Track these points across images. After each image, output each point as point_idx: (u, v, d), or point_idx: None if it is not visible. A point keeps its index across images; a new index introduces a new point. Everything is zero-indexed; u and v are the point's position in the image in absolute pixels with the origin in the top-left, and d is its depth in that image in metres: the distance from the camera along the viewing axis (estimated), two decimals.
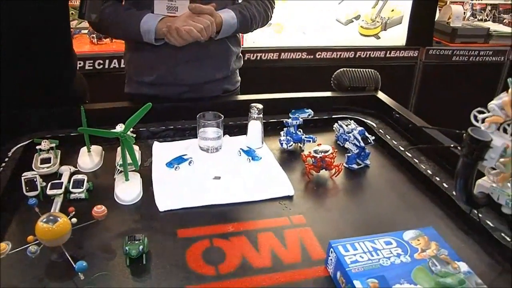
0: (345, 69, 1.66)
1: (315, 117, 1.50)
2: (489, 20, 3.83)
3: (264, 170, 1.21)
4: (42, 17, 1.38)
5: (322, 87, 1.66)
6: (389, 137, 1.42)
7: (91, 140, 1.24)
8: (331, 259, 0.85)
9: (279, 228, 0.98)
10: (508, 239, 0.95)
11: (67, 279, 0.82)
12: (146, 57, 1.55)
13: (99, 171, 1.22)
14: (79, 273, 0.81)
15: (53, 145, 1.22)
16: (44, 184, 1.07)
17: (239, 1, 1.61)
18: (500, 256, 0.92)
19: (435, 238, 0.88)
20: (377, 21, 3.07)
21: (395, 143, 1.38)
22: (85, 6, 1.30)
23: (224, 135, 1.32)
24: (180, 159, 1.21)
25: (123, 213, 1.03)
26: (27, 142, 1.29)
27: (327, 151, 1.19)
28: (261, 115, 1.29)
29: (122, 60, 1.70)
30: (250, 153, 1.25)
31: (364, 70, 1.67)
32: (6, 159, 1.22)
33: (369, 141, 1.27)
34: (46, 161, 1.19)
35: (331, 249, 0.84)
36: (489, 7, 3.84)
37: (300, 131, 1.36)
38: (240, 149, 1.27)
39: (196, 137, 1.31)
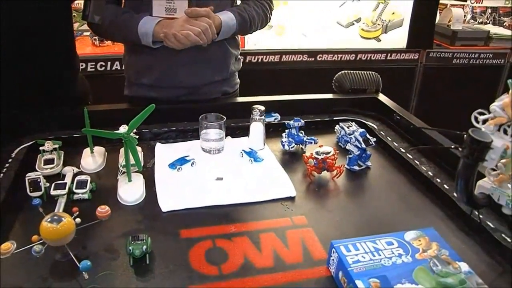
0: (346, 71, 1.67)
1: (317, 119, 1.52)
2: (489, 23, 3.84)
3: (266, 172, 1.22)
4: (45, 19, 1.39)
5: (323, 89, 1.67)
6: (390, 139, 1.43)
7: (94, 141, 1.25)
8: (333, 259, 0.85)
9: (281, 229, 0.99)
10: (509, 239, 0.95)
11: (71, 278, 0.83)
12: (145, 59, 1.55)
13: (102, 172, 1.22)
14: (83, 273, 0.82)
15: (56, 146, 1.23)
16: (48, 184, 1.08)
17: (238, 3, 1.62)
18: (500, 257, 0.92)
19: (436, 238, 0.89)
20: (378, 24, 3.07)
21: (396, 144, 1.39)
22: (89, 8, 1.31)
23: (226, 136, 1.33)
24: (182, 160, 1.22)
25: (126, 214, 1.04)
26: (30, 143, 1.30)
27: (328, 153, 1.19)
28: (263, 117, 1.30)
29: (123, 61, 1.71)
30: (252, 154, 1.26)
31: (365, 72, 1.67)
32: (10, 160, 1.22)
33: (370, 142, 1.28)
34: (49, 162, 1.20)
35: (333, 249, 0.85)
36: (489, 10, 3.85)
37: (301, 133, 1.36)
38: (242, 150, 1.28)
39: (199, 139, 1.31)
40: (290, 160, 1.32)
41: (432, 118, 1.90)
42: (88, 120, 1.19)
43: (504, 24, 3.79)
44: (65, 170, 1.18)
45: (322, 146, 1.23)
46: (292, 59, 2.95)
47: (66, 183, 1.08)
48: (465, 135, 0.79)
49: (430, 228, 0.92)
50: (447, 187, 1.14)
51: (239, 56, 1.71)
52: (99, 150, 1.28)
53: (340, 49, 3.02)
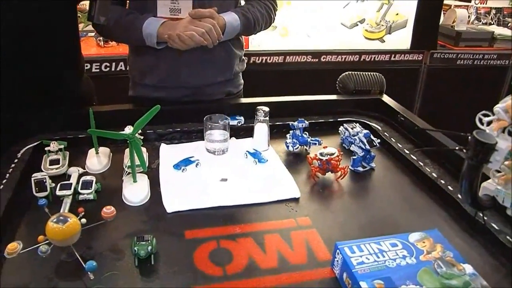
0: (350, 72, 1.67)
1: (321, 120, 1.52)
2: (493, 24, 3.83)
3: (271, 173, 1.22)
4: (50, 19, 1.39)
5: (327, 90, 1.67)
6: (394, 140, 1.43)
7: (99, 141, 1.26)
8: (337, 261, 0.85)
9: (286, 230, 1.00)
10: None
11: (77, 278, 0.84)
12: (149, 60, 1.56)
13: (107, 172, 1.23)
14: (89, 273, 0.82)
15: (62, 146, 1.23)
16: (53, 185, 1.09)
17: (242, 4, 1.63)
18: (504, 258, 0.92)
19: (440, 240, 0.89)
20: (382, 25, 3.07)
21: (400, 146, 1.39)
22: (94, 9, 1.31)
23: (230, 137, 1.33)
24: (187, 161, 1.23)
25: (131, 214, 1.04)
26: (36, 143, 1.31)
27: (332, 154, 1.20)
28: (267, 118, 1.31)
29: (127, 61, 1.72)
30: (256, 155, 1.27)
31: (369, 73, 1.68)
32: (16, 160, 1.23)
33: (375, 144, 1.28)
34: (55, 162, 1.21)
35: (338, 250, 0.85)
36: (493, 11, 3.84)
37: (306, 134, 1.37)
38: (247, 151, 1.29)
39: (203, 139, 1.32)
40: (294, 161, 1.32)
41: (436, 119, 1.90)
42: (94, 121, 1.19)
43: (509, 25, 3.77)
44: (70, 170, 1.19)
45: (326, 147, 1.24)
46: (296, 60, 2.95)
47: (71, 183, 1.09)
48: (469, 137, 0.79)
49: (434, 230, 0.92)
50: (451, 188, 1.14)
51: (243, 57, 1.71)
52: (104, 150, 1.28)
53: (344, 50, 3.01)
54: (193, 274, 0.86)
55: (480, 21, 3.82)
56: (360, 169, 1.27)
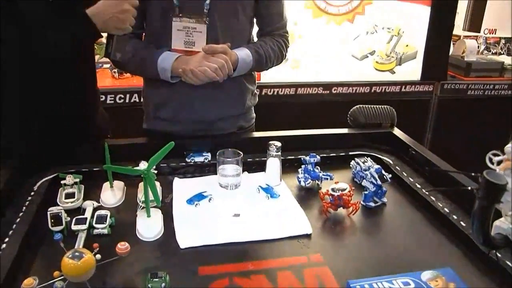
0: (361, 106, 1.69)
1: (332, 154, 1.53)
2: (503, 54, 3.84)
3: (283, 208, 1.23)
4: (68, 52, 1.41)
5: (338, 121, 1.69)
6: (405, 174, 1.43)
7: (113, 175, 1.27)
8: None
9: (298, 267, 1.00)
10: None
11: None
12: (163, 93, 1.59)
13: (121, 206, 1.25)
14: None
15: (77, 180, 1.26)
16: (69, 219, 1.11)
17: (255, 40, 1.66)
18: None
19: (453, 278, 0.89)
20: (392, 56, 3.10)
21: (412, 180, 1.39)
22: (112, 45, 1.35)
23: (243, 171, 1.35)
24: (200, 196, 1.24)
25: (145, 250, 1.05)
26: (52, 176, 1.33)
27: (344, 189, 1.20)
28: (279, 153, 1.32)
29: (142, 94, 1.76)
30: (268, 190, 1.28)
31: (380, 106, 1.69)
32: (32, 193, 1.25)
33: (386, 179, 1.29)
34: (70, 196, 1.23)
35: None
36: (502, 41, 3.86)
37: (317, 169, 1.38)
38: (259, 186, 1.30)
39: (216, 173, 1.33)
40: (306, 196, 1.33)
41: (448, 150, 1.90)
42: (109, 155, 1.22)
43: None
44: (85, 204, 1.21)
45: (338, 182, 1.24)
46: (307, 92, 2.97)
47: (86, 218, 1.11)
48: (480, 177, 0.80)
49: (447, 268, 0.92)
50: (464, 224, 1.14)
51: (255, 91, 1.74)
52: (118, 184, 1.30)
53: (355, 81, 3.04)
54: None
55: (490, 51, 3.84)
56: (372, 204, 1.27)
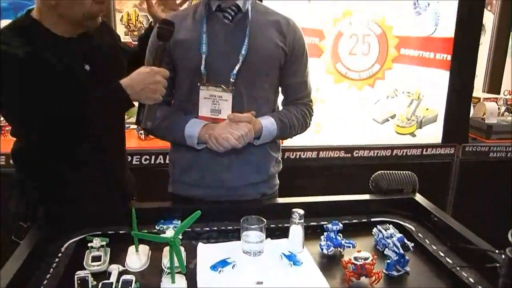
0: (382, 172, 1.71)
1: (355, 220, 1.54)
2: None
3: (305, 276, 1.24)
4: (101, 121, 1.49)
5: (360, 185, 1.71)
6: (428, 242, 1.42)
7: (139, 239, 1.30)
8: None
9: None
10: None
11: None
12: (188, 158, 1.63)
13: (146, 270, 1.27)
14: None
15: (104, 243, 1.29)
16: (95, 283, 1.13)
17: (279, 108, 1.72)
18: None
19: None
20: (412, 120, 3.13)
21: (434, 248, 1.39)
22: (142, 114, 1.42)
23: (266, 237, 1.36)
24: (224, 263, 1.25)
25: None
26: (79, 237, 1.37)
27: (367, 258, 1.21)
28: (302, 220, 1.34)
29: (168, 157, 1.80)
30: (291, 258, 1.29)
31: (401, 172, 1.71)
32: (60, 255, 1.29)
33: (409, 247, 1.29)
34: (96, 259, 1.26)
35: None
36: None
37: (340, 236, 1.39)
38: (282, 253, 1.31)
39: (239, 239, 1.35)
40: (328, 263, 1.33)
41: (471, 214, 1.88)
42: (136, 220, 1.25)
43: None
44: (111, 268, 1.23)
45: (360, 251, 1.25)
46: (329, 155, 3.01)
47: (112, 282, 1.14)
48: (503, 255, 0.80)
49: None
50: None
51: (279, 159, 1.76)
52: (143, 248, 1.33)
53: (376, 145, 3.07)
54: None
55: (510, 113, 3.85)
56: (395, 273, 1.27)
